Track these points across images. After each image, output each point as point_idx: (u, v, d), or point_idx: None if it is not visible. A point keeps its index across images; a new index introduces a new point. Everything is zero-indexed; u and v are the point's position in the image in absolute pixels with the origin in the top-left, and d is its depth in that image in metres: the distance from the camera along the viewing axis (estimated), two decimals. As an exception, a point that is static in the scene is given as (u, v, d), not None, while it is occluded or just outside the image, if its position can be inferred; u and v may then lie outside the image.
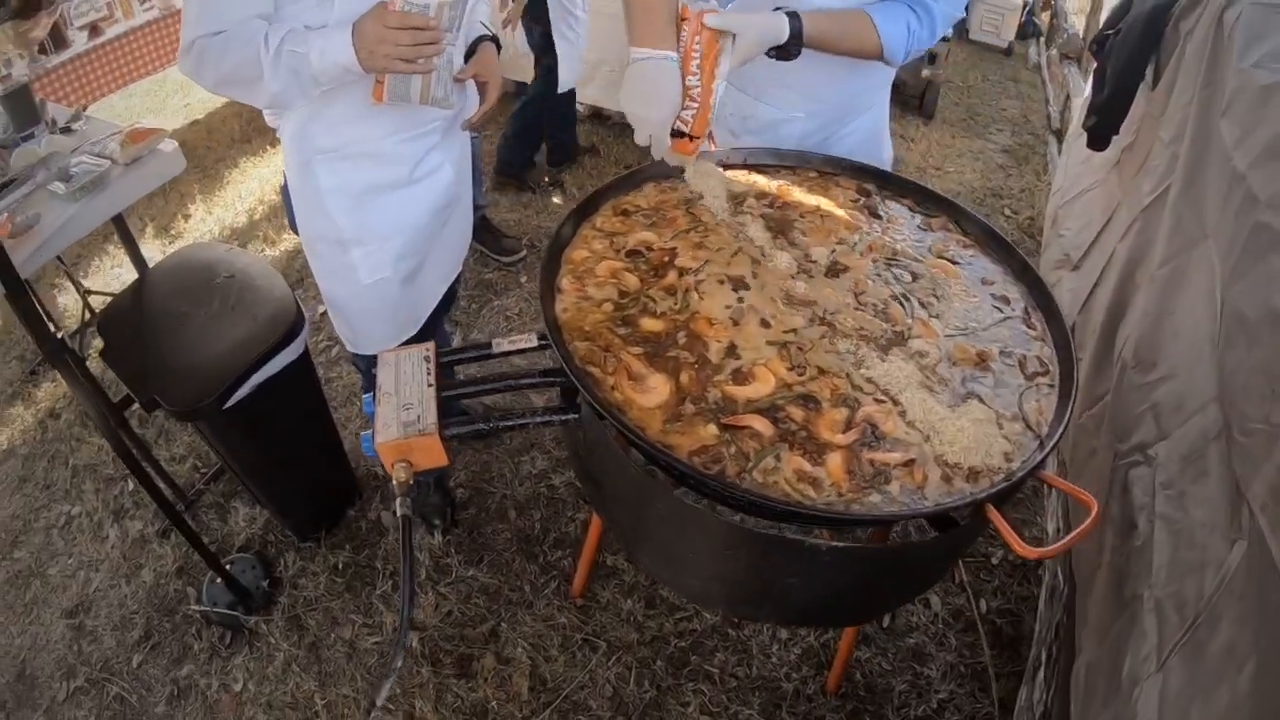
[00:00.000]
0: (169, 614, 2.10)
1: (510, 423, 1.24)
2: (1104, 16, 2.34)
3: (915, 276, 1.41)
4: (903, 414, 1.16)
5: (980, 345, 1.29)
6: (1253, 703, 0.91)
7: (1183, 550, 1.18)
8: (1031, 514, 2.32)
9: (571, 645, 2.00)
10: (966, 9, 1.80)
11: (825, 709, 1.90)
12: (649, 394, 1.16)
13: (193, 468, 2.46)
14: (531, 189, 3.70)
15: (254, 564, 2.14)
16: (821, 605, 1.30)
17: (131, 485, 2.38)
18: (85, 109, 2.69)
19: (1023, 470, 1.09)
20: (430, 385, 1.20)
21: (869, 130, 1.79)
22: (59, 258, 2.42)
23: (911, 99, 4.45)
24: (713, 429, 1.11)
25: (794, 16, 1.36)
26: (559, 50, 3.08)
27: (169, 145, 2.38)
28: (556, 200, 3.68)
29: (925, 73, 4.27)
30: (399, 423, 1.14)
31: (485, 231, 3.25)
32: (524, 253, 3.29)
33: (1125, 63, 1.95)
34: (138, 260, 2.64)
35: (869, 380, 1.21)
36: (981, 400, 1.19)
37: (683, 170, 1.56)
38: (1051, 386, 1.24)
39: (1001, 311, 1.37)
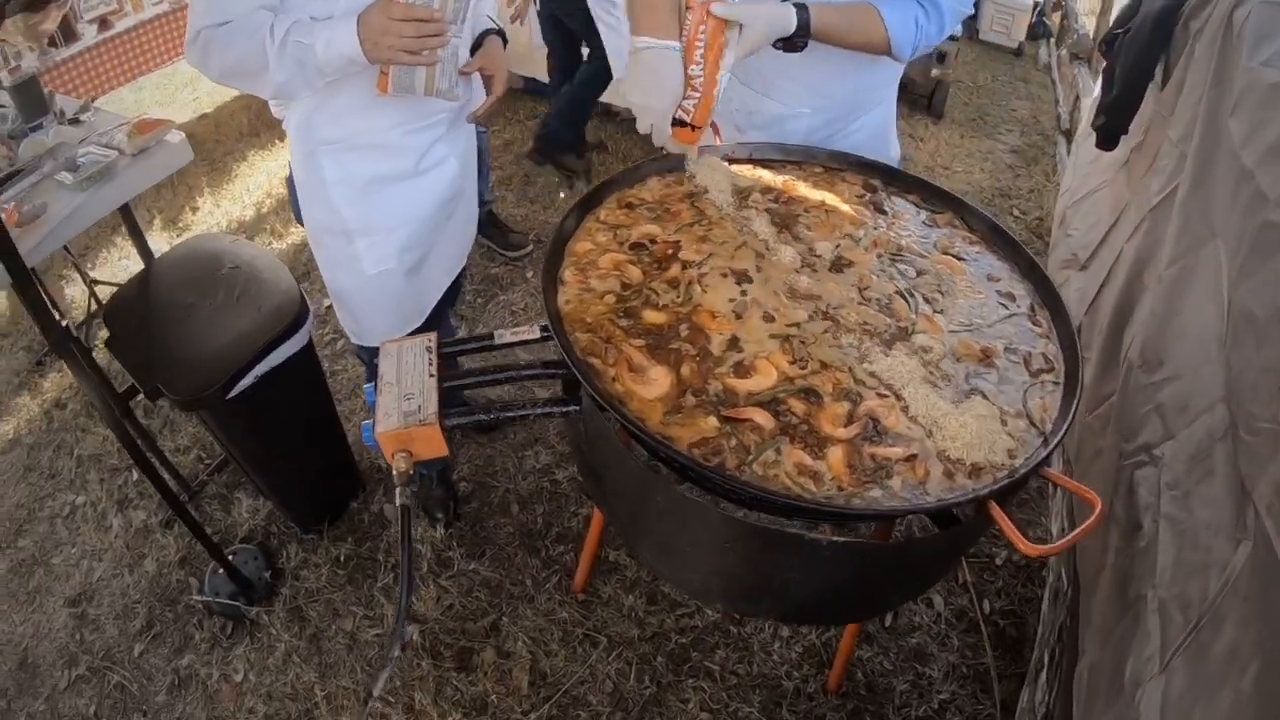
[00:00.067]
0: (171, 604, 2.11)
1: (511, 414, 1.24)
2: (1114, 17, 2.33)
3: (920, 272, 1.40)
4: (905, 409, 1.15)
5: (985, 341, 1.28)
6: (1255, 705, 0.90)
7: (1187, 551, 1.17)
8: (1037, 515, 2.31)
9: (572, 640, 2.00)
10: (976, 7, 1.79)
11: (826, 708, 1.89)
12: (650, 386, 1.15)
13: (197, 459, 2.47)
14: (571, 171, 3.68)
15: (256, 555, 2.14)
16: (821, 601, 1.29)
17: (136, 475, 2.39)
18: (94, 101, 2.69)
19: (1026, 467, 1.09)
20: (432, 376, 1.20)
21: (876, 127, 1.78)
22: (66, 248, 2.43)
23: (920, 98, 4.43)
24: (713, 421, 1.11)
25: (801, 8, 1.36)
26: (604, 40, 3.04)
27: (176, 136, 2.39)
28: (563, 196, 3.68)
29: (934, 72, 4.25)
30: (400, 412, 1.14)
31: (492, 226, 3.25)
32: (530, 248, 3.29)
33: (1134, 62, 1.93)
34: (145, 251, 2.65)
35: (872, 375, 1.20)
36: (985, 396, 1.18)
37: (685, 160, 1.56)
38: (1056, 384, 1.24)
39: (1007, 308, 1.36)
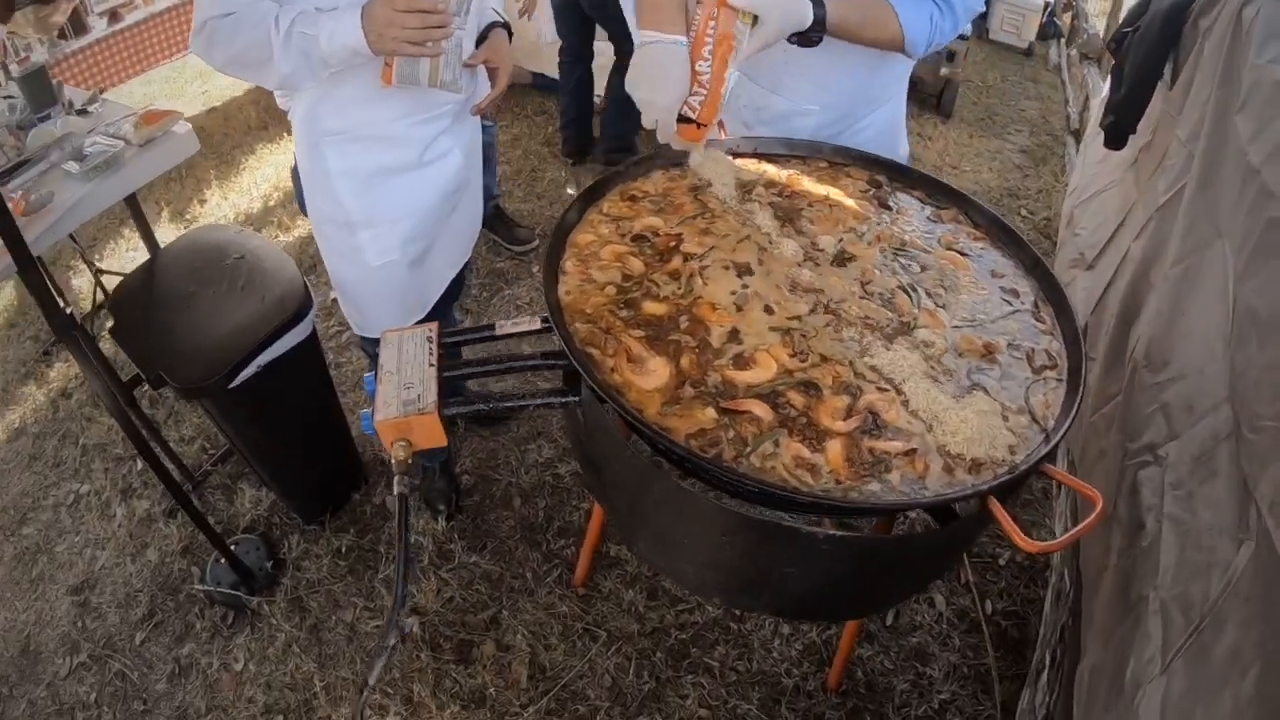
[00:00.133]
0: (173, 593, 2.12)
1: (510, 404, 1.23)
2: (1123, 15, 2.31)
3: (923, 267, 1.40)
4: (905, 403, 1.15)
5: (987, 337, 1.27)
6: (1256, 708, 0.90)
7: (1190, 552, 1.16)
8: (1040, 515, 2.29)
9: (572, 634, 2.00)
10: (987, 7, 1.78)
11: (825, 706, 1.88)
12: (648, 376, 1.15)
13: (200, 449, 2.48)
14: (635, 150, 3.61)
15: (258, 545, 2.15)
16: (819, 596, 1.28)
17: (140, 465, 2.41)
18: (103, 93, 2.71)
19: (1027, 463, 1.08)
20: (432, 365, 1.19)
21: (885, 125, 1.76)
22: (74, 239, 2.44)
23: (929, 97, 4.41)
24: (711, 413, 1.10)
25: (818, 2, 1.34)
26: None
27: (183, 127, 2.39)
28: (570, 191, 3.68)
29: (944, 71, 4.23)
30: (399, 401, 1.14)
31: (498, 221, 3.25)
32: (536, 242, 3.29)
33: (1143, 60, 1.92)
34: (151, 243, 2.65)
35: (872, 368, 1.19)
36: (987, 392, 1.18)
37: (689, 157, 1.56)
38: (1059, 380, 1.22)
39: (1010, 304, 1.35)
